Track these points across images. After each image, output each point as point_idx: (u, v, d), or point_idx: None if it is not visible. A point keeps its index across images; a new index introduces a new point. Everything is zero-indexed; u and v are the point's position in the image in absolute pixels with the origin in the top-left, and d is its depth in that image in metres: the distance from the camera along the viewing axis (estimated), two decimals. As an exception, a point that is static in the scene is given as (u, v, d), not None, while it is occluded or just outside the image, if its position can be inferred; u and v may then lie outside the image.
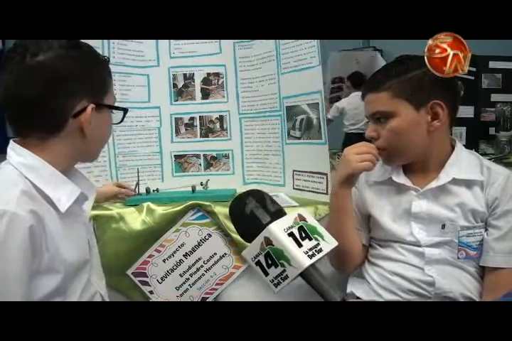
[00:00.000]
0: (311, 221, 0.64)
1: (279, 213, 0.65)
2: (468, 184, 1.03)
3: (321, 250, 0.61)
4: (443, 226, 1.02)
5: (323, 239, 0.63)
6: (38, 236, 0.71)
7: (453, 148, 1.07)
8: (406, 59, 1.05)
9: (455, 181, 1.02)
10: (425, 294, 1.02)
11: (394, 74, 1.02)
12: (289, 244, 0.59)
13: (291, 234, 0.60)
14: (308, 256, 0.60)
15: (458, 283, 1.01)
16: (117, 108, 0.88)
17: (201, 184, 1.48)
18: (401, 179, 1.08)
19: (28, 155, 0.78)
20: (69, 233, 0.80)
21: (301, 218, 0.63)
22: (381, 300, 1.06)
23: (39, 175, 0.77)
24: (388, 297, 1.06)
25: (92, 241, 0.91)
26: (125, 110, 0.89)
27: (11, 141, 0.81)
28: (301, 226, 0.62)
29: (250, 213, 0.63)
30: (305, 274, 0.61)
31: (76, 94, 0.78)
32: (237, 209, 0.66)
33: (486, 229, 1.02)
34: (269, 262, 0.60)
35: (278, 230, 0.60)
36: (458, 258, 1.01)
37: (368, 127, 1.07)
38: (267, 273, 0.61)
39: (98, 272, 0.93)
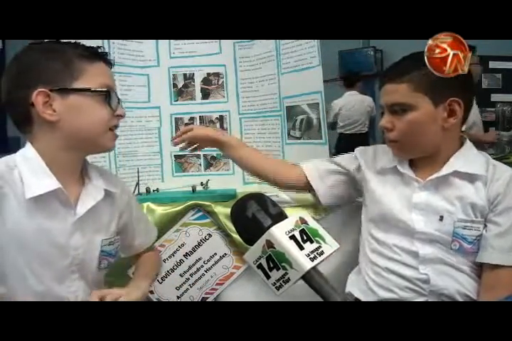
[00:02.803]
0: (313, 224, 0.64)
1: (280, 216, 0.65)
2: (471, 178, 1.02)
3: (322, 253, 0.61)
4: (441, 218, 1.02)
5: (325, 242, 0.63)
6: None
7: (462, 144, 1.07)
8: None
9: (458, 174, 1.03)
10: (421, 291, 1.02)
11: (417, 65, 0.99)
12: (291, 247, 0.59)
13: (292, 237, 0.60)
14: (309, 258, 0.60)
15: (453, 281, 1.01)
16: (87, 90, 0.84)
17: (201, 184, 1.48)
18: (405, 169, 1.09)
19: (29, 146, 0.86)
20: (34, 225, 0.82)
21: (303, 221, 0.63)
22: (377, 297, 1.07)
23: (27, 164, 0.83)
24: (384, 294, 1.06)
25: (86, 250, 0.90)
26: (106, 92, 0.86)
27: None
28: (303, 229, 0.62)
29: (252, 216, 0.63)
30: (306, 277, 0.61)
31: (30, 83, 0.82)
32: (239, 212, 0.66)
33: (486, 226, 1.01)
34: (271, 265, 0.61)
35: (279, 233, 0.60)
36: (451, 248, 1.01)
37: (383, 117, 1.06)
38: (268, 276, 0.61)
39: (86, 283, 0.92)
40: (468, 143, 1.08)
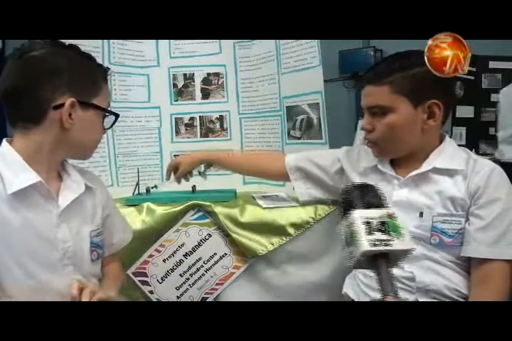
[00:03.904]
0: (399, 221, 0.68)
1: (372, 205, 0.70)
2: (450, 173, 1.03)
3: (389, 245, 0.65)
4: (421, 214, 1.02)
5: (399, 238, 0.65)
6: None
7: (441, 142, 1.08)
8: (410, 54, 1.04)
9: (437, 170, 1.04)
10: (409, 289, 1.02)
11: (397, 67, 1.01)
12: (360, 230, 0.65)
13: (367, 223, 0.66)
14: (370, 243, 0.64)
15: (439, 276, 1.01)
16: (107, 110, 0.92)
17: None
18: (385, 168, 1.10)
19: (4, 144, 0.87)
20: (20, 220, 0.83)
21: (391, 216, 0.67)
22: (369, 299, 1.07)
23: (4, 161, 0.85)
24: (375, 295, 1.06)
25: (75, 242, 0.90)
26: (116, 115, 0.95)
27: (4, 139, 0.89)
28: (384, 222, 0.66)
29: (349, 199, 0.70)
30: (373, 263, 0.65)
31: (59, 88, 0.85)
32: (344, 194, 0.73)
33: (468, 219, 1.01)
34: (348, 241, 0.67)
35: (357, 216, 0.66)
36: (430, 243, 1.01)
37: (364, 119, 1.08)
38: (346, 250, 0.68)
39: (82, 276, 0.93)
40: (447, 140, 1.09)
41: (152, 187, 1.48)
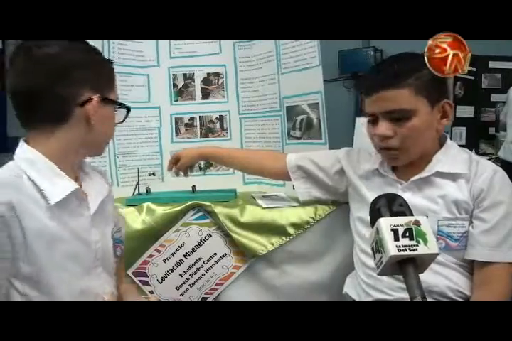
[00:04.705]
0: (425, 228, 0.69)
1: (400, 214, 0.73)
2: (453, 177, 1.03)
3: (414, 250, 0.67)
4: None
5: (425, 244, 0.68)
6: (10, 227, 0.75)
7: (442, 145, 1.08)
8: (415, 54, 1.01)
9: (440, 174, 1.03)
10: None
11: (413, 69, 0.99)
12: (387, 236, 0.68)
13: (394, 230, 0.68)
14: (397, 249, 0.66)
15: (442, 278, 1.01)
16: (122, 104, 0.91)
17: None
18: (387, 171, 1.10)
19: (27, 149, 0.82)
20: (61, 226, 0.81)
21: (416, 223, 0.70)
22: (371, 299, 1.07)
23: (35, 168, 0.81)
24: (377, 295, 1.06)
25: (103, 242, 0.91)
26: (128, 109, 0.93)
27: (20, 140, 0.85)
28: (410, 229, 0.69)
29: (377, 208, 0.75)
30: (402, 268, 0.68)
31: (82, 83, 0.82)
32: (372, 204, 0.77)
33: (472, 222, 1.01)
34: (376, 248, 0.71)
35: (384, 224, 0.69)
36: None
37: (379, 125, 1.02)
38: (374, 258, 0.71)
39: (108, 274, 0.93)
40: (449, 142, 1.08)
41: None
